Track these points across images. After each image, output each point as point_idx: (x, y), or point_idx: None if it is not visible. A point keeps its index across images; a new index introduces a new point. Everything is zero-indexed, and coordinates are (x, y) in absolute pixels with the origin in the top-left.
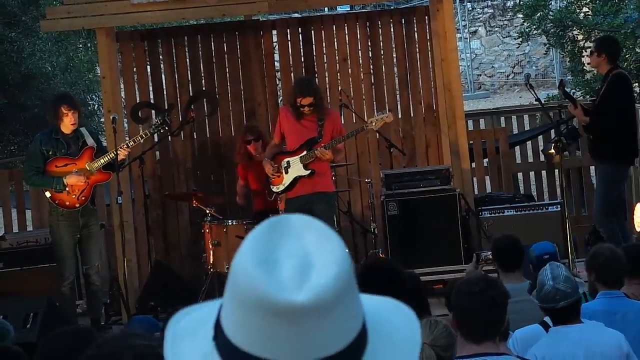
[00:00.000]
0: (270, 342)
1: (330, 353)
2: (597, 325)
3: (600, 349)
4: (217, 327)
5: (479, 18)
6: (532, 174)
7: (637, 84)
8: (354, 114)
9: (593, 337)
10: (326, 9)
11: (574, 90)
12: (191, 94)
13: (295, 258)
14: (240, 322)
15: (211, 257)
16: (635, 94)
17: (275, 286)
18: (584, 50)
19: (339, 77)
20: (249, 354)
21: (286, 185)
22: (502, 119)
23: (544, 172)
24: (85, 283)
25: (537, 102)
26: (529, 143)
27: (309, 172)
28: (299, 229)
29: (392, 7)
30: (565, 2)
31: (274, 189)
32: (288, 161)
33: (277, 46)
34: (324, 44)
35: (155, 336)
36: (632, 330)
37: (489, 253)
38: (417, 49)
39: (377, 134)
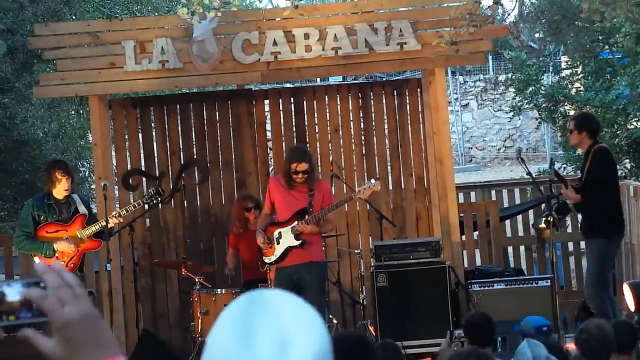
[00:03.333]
0: None
1: None
2: None
3: None
4: None
5: (470, 91)
6: (522, 247)
7: (628, 160)
8: (344, 185)
9: None
10: (318, 79)
11: (564, 166)
12: (182, 162)
13: (273, 335)
14: None
15: (199, 325)
16: (627, 170)
17: None
18: None
19: (330, 147)
20: None
21: (278, 256)
22: (493, 192)
23: (534, 246)
24: None
25: (528, 176)
26: (519, 217)
27: (300, 242)
28: (276, 304)
29: (384, 79)
30: (557, 78)
31: (266, 260)
32: (280, 232)
33: (269, 115)
34: (315, 114)
35: None
36: None
37: (462, 331)
38: (409, 121)
39: (368, 205)
